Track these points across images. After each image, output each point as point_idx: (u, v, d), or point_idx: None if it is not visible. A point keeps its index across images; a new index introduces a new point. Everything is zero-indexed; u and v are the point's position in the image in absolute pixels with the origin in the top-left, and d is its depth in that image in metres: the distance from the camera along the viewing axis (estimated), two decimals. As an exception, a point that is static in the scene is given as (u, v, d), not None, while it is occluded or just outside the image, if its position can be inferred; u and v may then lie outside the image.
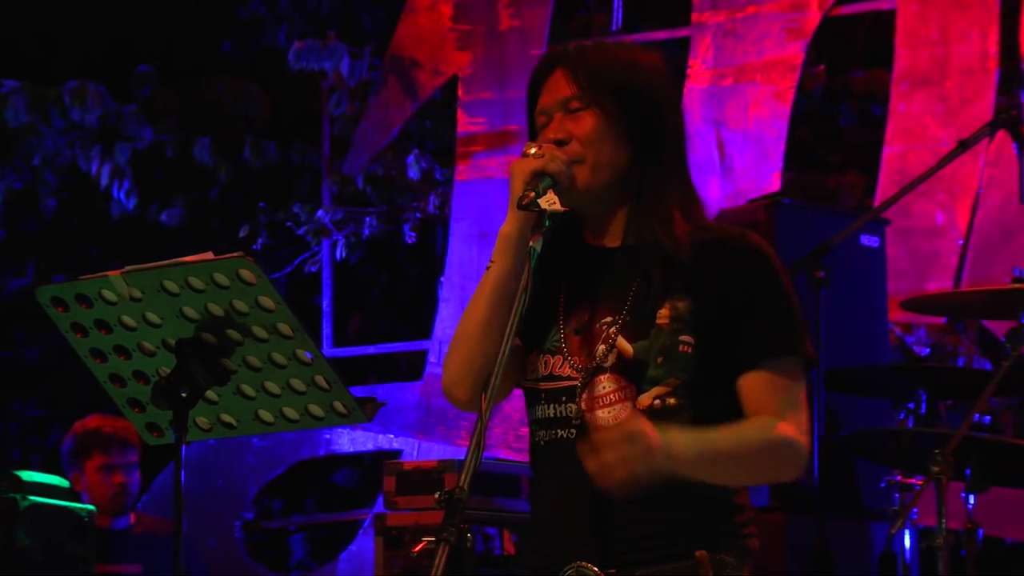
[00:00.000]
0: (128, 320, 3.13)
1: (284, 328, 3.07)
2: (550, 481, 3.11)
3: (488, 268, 3.10)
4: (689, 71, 7.94)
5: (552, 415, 3.10)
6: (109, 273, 3.10)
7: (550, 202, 3.00)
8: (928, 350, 7.46)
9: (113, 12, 9.91)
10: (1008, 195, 7.09)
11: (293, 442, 8.78)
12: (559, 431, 3.09)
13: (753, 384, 3.04)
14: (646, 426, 2.88)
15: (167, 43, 10.16)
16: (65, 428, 6.54)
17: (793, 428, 3.02)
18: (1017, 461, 5.17)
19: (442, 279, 8.66)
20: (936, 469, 4.61)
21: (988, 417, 6.12)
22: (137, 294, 3.10)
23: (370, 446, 8.66)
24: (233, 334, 3.09)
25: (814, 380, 5.29)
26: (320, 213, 9.34)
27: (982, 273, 7.13)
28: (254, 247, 9.52)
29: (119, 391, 3.22)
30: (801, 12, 7.81)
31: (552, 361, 3.11)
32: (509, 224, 3.07)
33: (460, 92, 8.63)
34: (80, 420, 6.40)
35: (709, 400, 3.04)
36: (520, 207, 3.01)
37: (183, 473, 3.11)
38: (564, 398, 3.08)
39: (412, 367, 9.41)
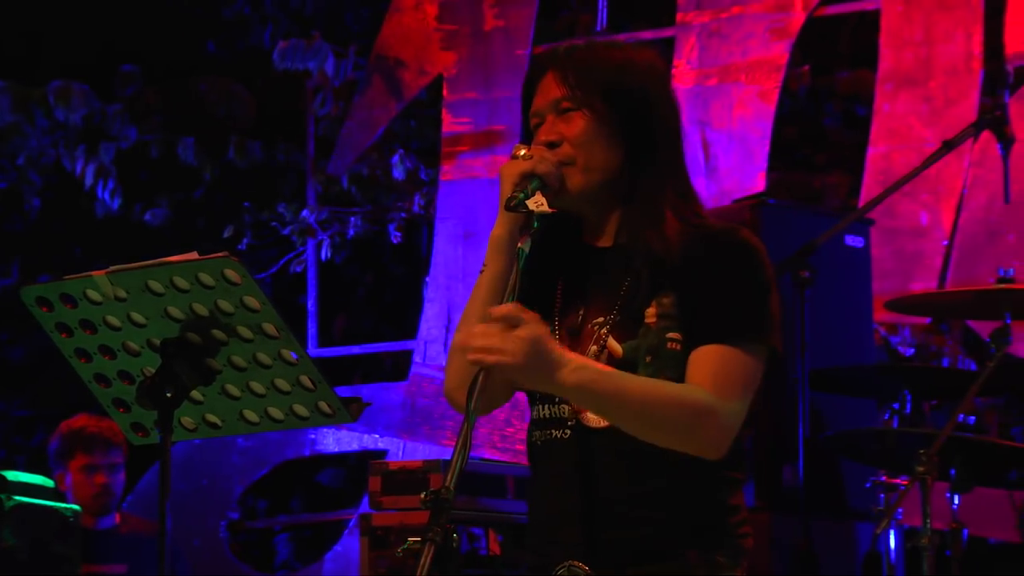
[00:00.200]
0: (113, 320, 3.13)
1: (269, 328, 3.06)
2: (545, 481, 3.12)
3: (482, 272, 3.10)
4: (674, 71, 7.92)
5: (547, 415, 3.11)
6: (94, 273, 3.10)
7: (538, 203, 3.00)
8: (913, 350, 7.46)
9: (97, 12, 9.88)
10: (993, 195, 7.10)
11: (278, 442, 8.76)
12: (553, 431, 3.10)
13: (700, 357, 2.98)
14: (531, 317, 2.85)
15: (151, 43, 10.13)
16: (50, 428, 6.52)
17: (720, 403, 2.94)
18: (1001, 461, 5.18)
19: (427, 279, 8.65)
20: (921, 469, 4.62)
21: (973, 417, 6.12)
22: (122, 294, 3.09)
23: (355, 446, 8.65)
24: (218, 334, 3.09)
25: (799, 380, 5.30)
26: (305, 213, 9.32)
27: (967, 273, 7.13)
28: (239, 247, 9.49)
29: (104, 391, 3.21)
30: (786, 12, 7.81)
31: (548, 361, 3.11)
32: (499, 227, 3.08)
33: (445, 92, 8.62)
34: (67, 420, 6.38)
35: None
36: (508, 209, 3.02)
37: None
38: (557, 399, 3.08)
39: (397, 367, 9.40)
